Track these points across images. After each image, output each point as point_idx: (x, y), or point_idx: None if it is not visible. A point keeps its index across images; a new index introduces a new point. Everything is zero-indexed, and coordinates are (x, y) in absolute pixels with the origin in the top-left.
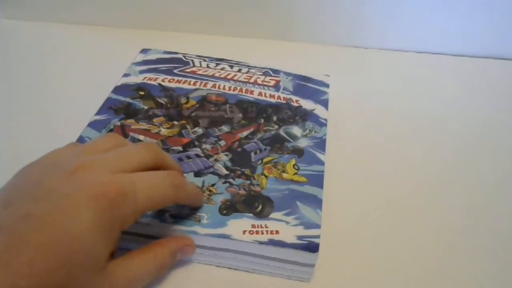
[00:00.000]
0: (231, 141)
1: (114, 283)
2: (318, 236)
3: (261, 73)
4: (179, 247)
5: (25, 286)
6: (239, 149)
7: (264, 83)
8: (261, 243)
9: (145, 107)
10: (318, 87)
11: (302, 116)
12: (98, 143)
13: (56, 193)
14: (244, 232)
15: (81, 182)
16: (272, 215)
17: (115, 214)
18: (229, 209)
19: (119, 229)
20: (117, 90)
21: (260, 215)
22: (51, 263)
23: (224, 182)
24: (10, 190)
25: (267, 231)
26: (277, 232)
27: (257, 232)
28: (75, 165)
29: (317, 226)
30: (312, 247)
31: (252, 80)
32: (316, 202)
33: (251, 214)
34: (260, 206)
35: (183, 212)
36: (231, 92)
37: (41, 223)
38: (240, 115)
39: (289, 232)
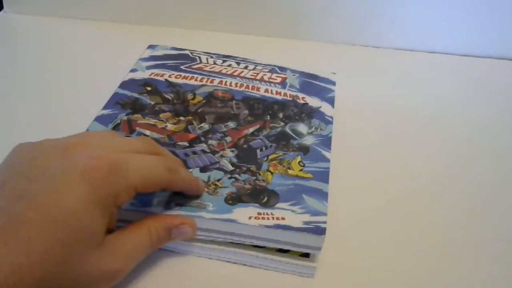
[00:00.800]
0: (237, 138)
1: (112, 258)
2: (324, 222)
3: (268, 70)
4: (175, 224)
5: (24, 263)
6: (245, 146)
7: (271, 80)
8: (267, 226)
9: (152, 103)
10: (324, 85)
11: (308, 114)
12: (94, 131)
13: (49, 171)
14: (250, 217)
15: (74, 159)
16: (278, 205)
17: (108, 189)
18: (234, 200)
19: (113, 204)
20: (124, 85)
21: (266, 205)
22: (48, 240)
23: (230, 178)
24: (3, 171)
25: (273, 217)
26: (283, 218)
27: (263, 218)
28: (67, 143)
29: (324, 214)
30: (319, 230)
31: (258, 77)
32: (322, 195)
33: (257, 204)
34: (266, 198)
35: (188, 201)
36: (237, 88)
37: (36, 202)
38: (246, 111)
39: (295, 218)
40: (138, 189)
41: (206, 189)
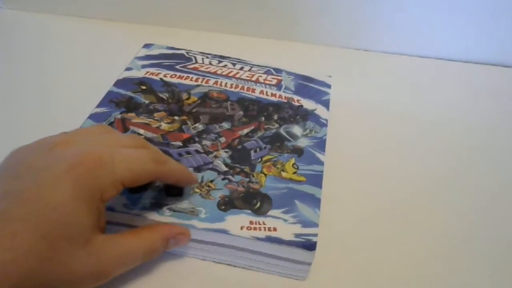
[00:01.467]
0: (231, 138)
1: (101, 259)
2: (315, 235)
3: (263, 71)
4: (172, 235)
5: (9, 258)
6: (239, 147)
7: (266, 81)
8: (258, 239)
9: (146, 102)
10: (319, 88)
11: (303, 116)
12: (85, 128)
13: (35, 168)
14: (241, 227)
15: (59, 156)
16: (270, 213)
17: (93, 184)
18: (227, 204)
19: (99, 199)
20: (119, 83)
21: (258, 212)
22: (33, 235)
23: (223, 179)
24: None
25: (265, 227)
26: (274, 229)
27: (254, 228)
28: (54, 141)
29: (315, 225)
30: (309, 245)
31: (254, 79)
32: (314, 201)
33: (249, 211)
34: (259, 203)
35: (180, 206)
36: (232, 89)
37: (21, 198)
38: (241, 112)
39: (286, 229)
40: (126, 183)
41: (199, 191)
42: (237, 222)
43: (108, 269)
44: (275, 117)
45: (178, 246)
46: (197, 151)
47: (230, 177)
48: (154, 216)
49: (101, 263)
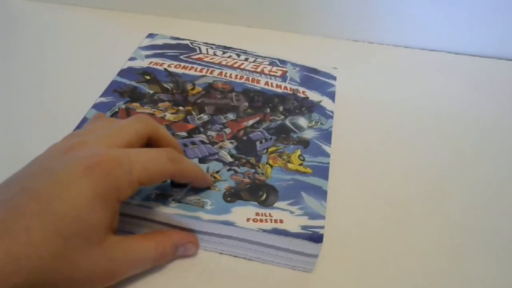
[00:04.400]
0: (237, 129)
1: (112, 260)
2: (322, 227)
3: (268, 63)
4: (182, 242)
5: (22, 252)
6: (244, 138)
7: (271, 73)
8: (265, 231)
9: (151, 92)
10: (325, 79)
11: (309, 108)
12: (91, 125)
13: (52, 168)
14: (248, 219)
15: (76, 157)
16: (277, 204)
17: (110, 183)
18: (233, 196)
19: (116, 199)
20: (123, 73)
21: (265, 204)
22: (47, 231)
23: (229, 170)
24: (10, 177)
25: (271, 219)
26: (281, 221)
27: (261, 220)
28: (69, 144)
29: (321, 217)
30: (316, 238)
31: (259, 70)
32: (320, 193)
33: (255, 202)
34: (265, 195)
35: (187, 197)
36: (237, 80)
37: (37, 195)
38: (246, 103)
39: (293, 221)
40: (142, 183)
41: None
42: (243, 213)
43: (118, 270)
44: (281, 108)
45: (186, 254)
46: (202, 142)
47: (235, 168)
48: (159, 207)
49: (112, 264)
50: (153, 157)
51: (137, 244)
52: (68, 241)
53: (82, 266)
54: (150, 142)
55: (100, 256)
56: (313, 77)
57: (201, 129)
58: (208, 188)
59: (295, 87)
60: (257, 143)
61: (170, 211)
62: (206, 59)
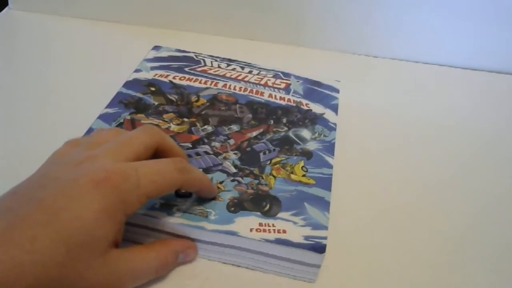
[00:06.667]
0: (241, 140)
1: (114, 271)
2: (325, 237)
3: (272, 75)
4: (182, 249)
5: (27, 260)
6: (248, 149)
7: (275, 85)
8: (268, 241)
9: (156, 103)
10: (328, 92)
11: (312, 120)
12: (98, 135)
13: (61, 180)
14: (251, 229)
15: (85, 170)
16: (280, 215)
17: (118, 197)
18: (236, 206)
19: (123, 213)
20: (128, 85)
21: (268, 214)
22: (53, 241)
23: (233, 180)
24: (18, 185)
25: (274, 230)
26: (284, 231)
27: (264, 231)
28: (81, 157)
29: (325, 228)
30: (319, 248)
31: (262, 82)
32: (324, 204)
33: (259, 213)
34: (268, 205)
35: (190, 207)
36: (241, 92)
37: (45, 205)
38: (250, 115)
39: (296, 232)
40: (151, 196)
41: None
42: (247, 224)
43: (120, 282)
44: (284, 120)
45: (186, 260)
46: (206, 153)
47: (239, 178)
48: (164, 217)
49: (114, 276)
50: (161, 169)
51: (138, 255)
52: (72, 251)
53: (85, 276)
54: (157, 153)
55: (103, 268)
56: (316, 90)
57: (205, 140)
58: (214, 198)
59: (298, 100)
60: (261, 154)
61: (174, 221)
62: (210, 72)
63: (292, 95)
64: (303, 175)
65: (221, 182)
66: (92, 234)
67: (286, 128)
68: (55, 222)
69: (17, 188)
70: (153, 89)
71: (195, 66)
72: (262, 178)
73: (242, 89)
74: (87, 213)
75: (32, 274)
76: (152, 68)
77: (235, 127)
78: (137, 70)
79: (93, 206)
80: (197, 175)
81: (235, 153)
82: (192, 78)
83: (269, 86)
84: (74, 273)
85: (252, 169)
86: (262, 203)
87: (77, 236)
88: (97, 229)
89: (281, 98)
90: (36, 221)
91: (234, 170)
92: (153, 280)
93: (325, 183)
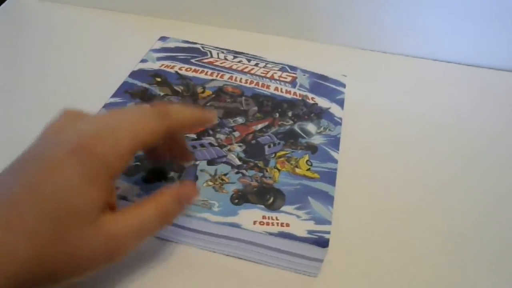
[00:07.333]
0: (246, 133)
1: (111, 235)
2: (328, 232)
3: (278, 68)
4: (182, 192)
5: (16, 240)
6: (253, 141)
7: (281, 78)
8: (271, 234)
9: (161, 93)
10: (334, 86)
11: (317, 114)
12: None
13: (41, 153)
14: (254, 222)
15: (63, 140)
16: (283, 208)
17: (98, 161)
18: (240, 199)
19: (107, 176)
20: (134, 74)
21: (271, 207)
22: (39, 216)
23: (237, 173)
24: (9, 164)
25: (277, 223)
26: (287, 225)
27: (267, 224)
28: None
29: (328, 222)
30: (322, 242)
31: (269, 75)
32: (327, 198)
33: (262, 206)
34: (272, 199)
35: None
36: (247, 85)
37: (28, 182)
38: (256, 108)
39: (299, 226)
40: (133, 151)
41: (212, 184)
42: (250, 216)
43: (121, 244)
44: (290, 113)
45: (189, 203)
46: (211, 144)
47: (243, 171)
48: None
49: (113, 239)
50: (139, 121)
51: (136, 211)
52: (60, 223)
53: (79, 247)
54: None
55: (98, 235)
56: (322, 84)
57: (210, 132)
58: (210, 124)
59: (304, 93)
60: (266, 147)
61: None
62: (216, 63)
63: (298, 89)
64: (308, 169)
65: (225, 174)
66: (76, 204)
67: (291, 122)
68: (40, 198)
69: (7, 168)
70: (159, 79)
71: (202, 58)
72: (267, 171)
73: (248, 81)
74: (67, 183)
75: (23, 254)
76: (159, 59)
77: (240, 120)
78: (143, 60)
79: (72, 176)
80: (182, 115)
81: (239, 146)
82: (198, 70)
83: (275, 79)
84: (66, 247)
85: (256, 162)
86: (266, 196)
87: (63, 208)
88: (81, 198)
89: (287, 92)
90: (22, 199)
91: (238, 162)
92: (156, 272)
93: (330, 177)
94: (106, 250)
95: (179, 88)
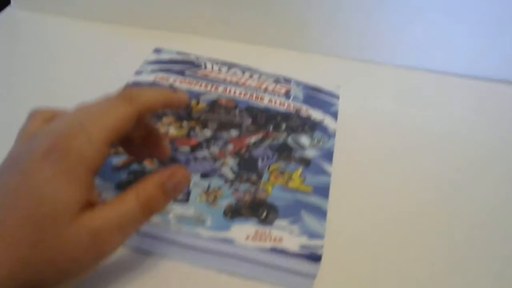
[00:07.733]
0: (239, 146)
1: (94, 233)
2: (321, 247)
3: (273, 80)
4: (165, 177)
5: (0, 247)
6: (246, 154)
7: (275, 90)
8: (263, 250)
9: None
10: (328, 98)
11: (311, 126)
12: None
13: (17, 158)
14: (247, 237)
15: (36, 142)
16: (276, 222)
17: (72, 158)
18: (233, 213)
19: (85, 172)
20: (129, 87)
21: (265, 222)
22: (18, 221)
23: (230, 186)
24: None
25: (270, 238)
26: (280, 239)
27: (260, 239)
28: (30, 132)
29: (321, 237)
30: (314, 257)
31: (263, 87)
32: (320, 213)
33: (255, 220)
34: (265, 213)
35: (186, 212)
36: (241, 97)
37: (7, 187)
38: (250, 120)
39: (292, 240)
40: (110, 141)
41: (205, 198)
42: (243, 231)
43: (105, 239)
44: (283, 126)
45: (178, 190)
46: (204, 158)
47: (237, 185)
48: (158, 221)
49: (95, 238)
50: (107, 110)
51: (116, 204)
52: (39, 225)
53: (61, 247)
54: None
55: (78, 233)
56: (316, 96)
57: (204, 145)
58: (183, 104)
59: (298, 105)
60: (259, 160)
61: (169, 226)
62: (211, 75)
63: (292, 101)
64: (301, 183)
65: (218, 188)
66: (54, 203)
67: (285, 134)
68: (19, 202)
69: None
70: None
71: (196, 69)
72: (260, 184)
73: (242, 94)
74: (43, 184)
75: (7, 261)
76: (153, 71)
77: (234, 132)
78: (138, 72)
79: (46, 175)
80: (150, 96)
81: (233, 159)
82: (193, 82)
83: (269, 91)
84: (49, 247)
85: (250, 175)
86: (259, 210)
87: (39, 209)
88: (59, 195)
89: (281, 104)
90: (2, 205)
91: (232, 176)
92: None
93: (323, 191)
94: (89, 248)
95: None
